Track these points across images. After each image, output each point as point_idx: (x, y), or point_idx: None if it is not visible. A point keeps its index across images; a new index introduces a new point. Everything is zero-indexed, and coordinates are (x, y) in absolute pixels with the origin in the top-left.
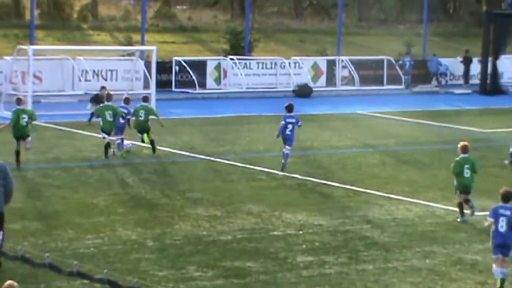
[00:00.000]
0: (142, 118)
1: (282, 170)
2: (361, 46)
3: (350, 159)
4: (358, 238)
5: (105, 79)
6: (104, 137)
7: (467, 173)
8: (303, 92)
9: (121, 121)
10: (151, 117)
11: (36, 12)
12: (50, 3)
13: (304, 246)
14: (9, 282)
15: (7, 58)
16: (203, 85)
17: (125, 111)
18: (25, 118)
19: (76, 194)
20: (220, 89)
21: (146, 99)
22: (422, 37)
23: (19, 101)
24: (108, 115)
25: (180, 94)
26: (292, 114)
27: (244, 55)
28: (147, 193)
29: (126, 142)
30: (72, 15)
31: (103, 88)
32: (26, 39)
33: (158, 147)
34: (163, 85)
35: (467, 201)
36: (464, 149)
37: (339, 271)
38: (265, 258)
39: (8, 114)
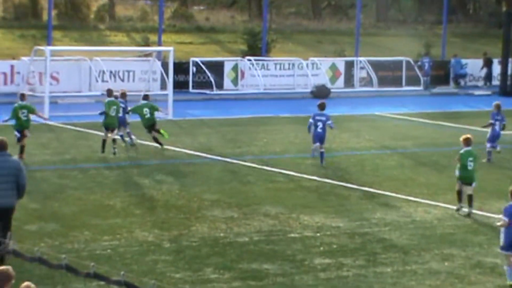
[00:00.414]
0: (148, 116)
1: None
2: (379, 47)
3: (368, 160)
4: (376, 240)
5: (122, 80)
6: (105, 130)
7: (470, 165)
8: (321, 93)
9: (121, 115)
10: (156, 113)
11: (54, 13)
12: (68, 3)
13: (321, 248)
14: (26, 283)
15: (25, 58)
16: (220, 86)
17: (122, 105)
18: (24, 113)
19: (92, 195)
20: (237, 90)
21: (146, 97)
22: (441, 38)
23: (22, 96)
24: (112, 111)
25: (197, 95)
26: (323, 112)
27: (261, 56)
28: (164, 194)
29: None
30: (89, 16)
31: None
32: (43, 40)
33: (175, 148)
34: (180, 86)
35: (470, 198)
36: (467, 142)
37: (357, 274)
38: (282, 260)
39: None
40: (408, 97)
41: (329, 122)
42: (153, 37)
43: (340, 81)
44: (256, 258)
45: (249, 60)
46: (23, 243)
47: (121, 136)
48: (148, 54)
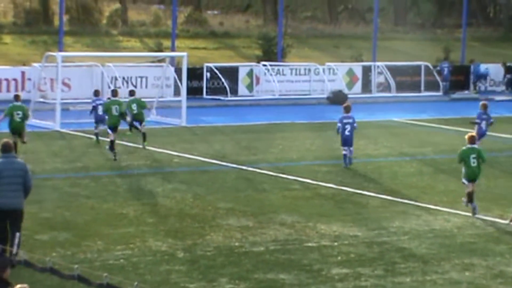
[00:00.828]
0: (136, 112)
1: (347, 166)
2: (397, 51)
3: (386, 168)
4: (394, 249)
5: (135, 86)
6: (109, 133)
7: (473, 162)
8: (337, 99)
9: (100, 112)
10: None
11: (65, 18)
12: (79, 8)
13: (339, 257)
14: (19, 286)
15: (36, 65)
16: (234, 92)
17: (101, 102)
18: (19, 114)
19: (105, 204)
20: (252, 96)
21: (133, 92)
22: (461, 42)
23: (16, 97)
24: (115, 110)
25: (211, 101)
26: (349, 114)
27: (277, 61)
28: (178, 203)
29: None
30: (101, 21)
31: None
32: (54, 46)
33: (189, 156)
34: (194, 92)
35: (469, 194)
36: (471, 140)
37: (375, 284)
38: (298, 270)
39: (37, 122)
40: (427, 103)
41: (355, 125)
42: (167, 43)
43: (357, 86)
44: (272, 268)
45: (264, 65)
46: (34, 253)
47: (96, 134)
48: (161, 60)
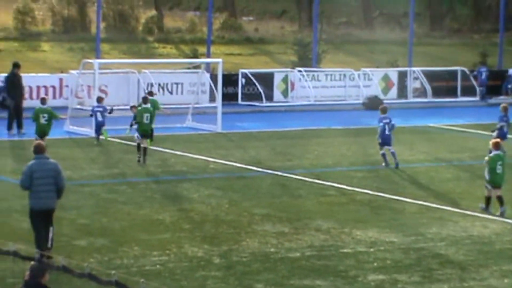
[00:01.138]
0: (147, 122)
1: (387, 166)
2: (433, 56)
3: (422, 173)
4: (432, 256)
5: (171, 92)
6: (137, 137)
7: (499, 169)
8: (373, 104)
9: (99, 118)
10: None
11: (102, 25)
12: (116, 16)
13: (375, 264)
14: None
15: (73, 72)
16: (270, 97)
17: (100, 109)
18: (45, 117)
19: (141, 210)
20: (287, 101)
21: (146, 100)
22: (498, 47)
23: (42, 100)
24: (146, 118)
25: (246, 107)
26: (386, 115)
27: (312, 66)
28: (213, 209)
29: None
30: (138, 28)
31: (150, 92)
32: (91, 53)
33: (224, 162)
34: (229, 98)
35: (500, 198)
36: (497, 146)
37: None
38: (334, 276)
39: (74, 128)
40: (463, 108)
41: (393, 123)
42: (202, 49)
43: (393, 92)
44: (308, 274)
45: (299, 71)
46: (72, 259)
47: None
48: (196, 66)
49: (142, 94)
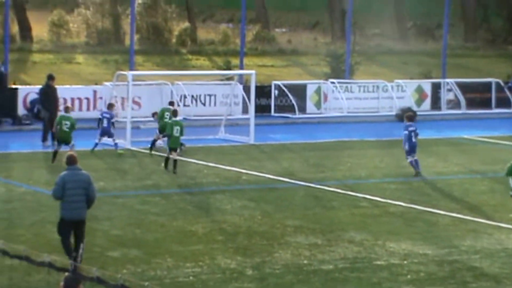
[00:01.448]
0: (177, 135)
1: (418, 175)
2: (467, 68)
3: (456, 185)
4: (466, 268)
5: (204, 104)
6: (168, 151)
7: None
8: None
9: (105, 124)
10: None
11: (136, 37)
12: (150, 28)
13: (408, 276)
14: None
15: (107, 84)
16: (302, 109)
17: (108, 115)
18: (67, 125)
19: (174, 221)
20: (320, 113)
21: (175, 113)
22: None
23: (66, 109)
24: (176, 131)
25: (279, 119)
26: (412, 123)
27: (345, 78)
28: (246, 220)
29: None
30: (171, 40)
31: (171, 103)
32: (125, 65)
33: (257, 173)
34: (262, 109)
35: None
36: None
37: None
38: None
39: (108, 140)
40: (498, 120)
41: (417, 131)
42: (235, 61)
43: (426, 103)
44: (341, 286)
45: (332, 82)
46: (106, 270)
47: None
48: (229, 78)
49: (175, 106)
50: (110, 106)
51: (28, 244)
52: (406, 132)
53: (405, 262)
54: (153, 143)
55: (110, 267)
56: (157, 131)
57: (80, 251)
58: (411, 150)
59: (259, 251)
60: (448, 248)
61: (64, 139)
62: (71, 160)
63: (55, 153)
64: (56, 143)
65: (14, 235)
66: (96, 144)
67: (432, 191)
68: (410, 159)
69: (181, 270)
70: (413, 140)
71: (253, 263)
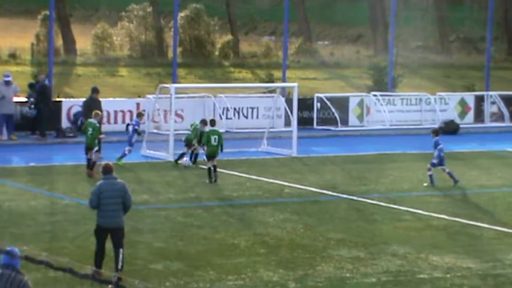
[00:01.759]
0: (215, 144)
1: (456, 183)
2: (511, 81)
3: (500, 199)
4: (510, 282)
5: (246, 117)
6: (206, 160)
7: None
8: (449, 129)
9: (130, 132)
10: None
11: (178, 50)
12: (192, 41)
13: None
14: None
15: (150, 96)
16: (345, 122)
17: (133, 123)
18: (90, 131)
19: (217, 234)
20: (363, 126)
21: (213, 122)
22: None
23: (96, 114)
24: (213, 140)
25: (321, 131)
26: (438, 137)
27: (387, 91)
28: (289, 233)
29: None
30: (214, 53)
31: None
32: (168, 77)
33: (300, 186)
34: (304, 122)
35: None
36: None
37: None
38: None
39: (151, 153)
40: None
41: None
42: (277, 73)
43: (470, 116)
44: None
45: (375, 95)
46: (149, 282)
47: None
48: (272, 91)
49: (218, 118)
50: (140, 115)
51: (72, 256)
52: (440, 146)
53: (448, 275)
54: (181, 156)
55: (153, 280)
56: (185, 143)
57: (120, 256)
58: (440, 164)
59: (302, 264)
60: (492, 262)
61: (88, 144)
62: (107, 169)
63: (88, 161)
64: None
65: (58, 248)
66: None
67: (476, 204)
68: (432, 172)
69: (224, 283)
70: (442, 154)
71: (295, 276)
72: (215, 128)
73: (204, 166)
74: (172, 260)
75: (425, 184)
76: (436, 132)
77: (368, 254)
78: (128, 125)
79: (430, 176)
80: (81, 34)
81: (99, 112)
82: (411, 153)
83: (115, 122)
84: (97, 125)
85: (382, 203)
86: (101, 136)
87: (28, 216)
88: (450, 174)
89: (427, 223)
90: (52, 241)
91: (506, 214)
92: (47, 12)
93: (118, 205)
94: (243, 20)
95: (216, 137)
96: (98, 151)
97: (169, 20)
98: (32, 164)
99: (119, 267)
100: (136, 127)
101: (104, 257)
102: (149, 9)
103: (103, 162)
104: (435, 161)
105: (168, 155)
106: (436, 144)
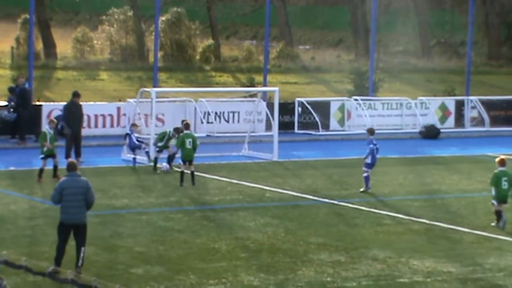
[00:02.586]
0: (189, 147)
1: (365, 190)
2: (491, 85)
3: (480, 203)
4: (490, 286)
5: (227, 121)
6: (180, 164)
7: (504, 185)
8: (430, 133)
9: (134, 140)
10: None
11: (159, 54)
12: (173, 45)
13: None
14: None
15: (131, 100)
16: (326, 126)
17: (131, 132)
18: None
19: (198, 238)
20: (343, 130)
21: (187, 126)
22: None
23: (50, 122)
24: (188, 143)
25: (302, 135)
26: (374, 137)
27: (368, 95)
28: (270, 237)
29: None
30: (195, 57)
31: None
32: (149, 82)
33: (281, 190)
34: (285, 126)
35: (499, 212)
36: (502, 163)
37: None
38: None
39: (131, 156)
40: None
41: (378, 146)
42: (258, 77)
43: (450, 121)
44: None
45: (356, 100)
46: (130, 287)
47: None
48: (253, 95)
49: (199, 123)
50: (134, 126)
51: (51, 260)
52: (372, 146)
53: (429, 280)
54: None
55: (134, 284)
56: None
57: (81, 254)
58: (373, 165)
59: (283, 268)
60: (472, 266)
61: (48, 154)
62: (71, 167)
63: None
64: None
65: (38, 252)
66: (135, 159)
67: (456, 208)
68: (367, 174)
69: (204, 287)
70: (376, 155)
71: (276, 281)
72: (189, 131)
73: (186, 171)
74: (153, 264)
75: (361, 190)
76: (370, 131)
77: (349, 258)
78: (127, 134)
79: (366, 177)
80: (61, 38)
81: (54, 120)
82: (391, 158)
83: (96, 126)
84: (51, 132)
85: (363, 208)
86: (50, 145)
87: (7, 220)
88: (366, 178)
89: (408, 227)
90: (31, 245)
91: (486, 218)
92: (27, 16)
93: (81, 201)
94: (224, 24)
95: (191, 140)
96: (44, 158)
97: (150, 24)
98: (12, 168)
99: (79, 264)
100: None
101: (64, 255)
102: (130, 13)
103: (69, 160)
104: (368, 161)
105: (148, 159)
106: (368, 143)
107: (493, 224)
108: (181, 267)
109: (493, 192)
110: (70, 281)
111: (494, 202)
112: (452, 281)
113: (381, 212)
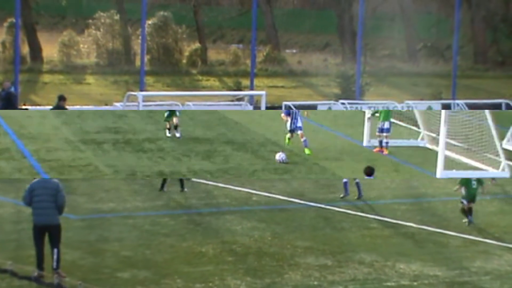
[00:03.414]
0: None
1: (344, 196)
2: (477, 89)
3: None
4: None
5: None
6: None
7: (474, 184)
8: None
9: None
10: None
11: (146, 58)
12: (160, 49)
13: None
14: None
15: (117, 104)
16: None
17: None
18: None
19: (184, 242)
20: None
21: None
22: None
23: None
24: None
25: None
26: None
27: (355, 99)
28: (256, 241)
29: None
30: (182, 61)
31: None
32: (136, 85)
33: (268, 194)
34: None
35: (470, 210)
36: None
37: None
38: None
39: None
40: None
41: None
42: (245, 81)
43: None
44: None
45: (343, 103)
46: None
47: None
48: (240, 98)
49: None
50: None
51: None
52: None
53: (415, 283)
54: None
55: None
56: None
57: (55, 256)
58: None
59: (269, 272)
60: (458, 269)
61: None
62: None
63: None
64: None
65: (24, 256)
66: None
67: (443, 212)
68: (347, 179)
69: None
70: None
71: (263, 284)
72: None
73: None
74: (139, 268)
75: (341, 196)
76: None
77: (336, 262)
78: None
79: (345, 183)
80: (47, 42)
81: None
82: None
83: None
84: None
85: (349, 211)
86: None
87: None
88: (345, 184)
89: (395, 231)
90: (17, 249)
91: (472, 222)
92: (13, 20)
93: (51, 203)
94: (211, 28)
95: None
96: None
97: (137, 27)
98: None
99: (55, 266)
100: None
101: (44, 257)
102: (116, 17)
103: None
104: None
105: None
106: None
107: (465, 220)
108: (167, 271)
109: (463, 192)
110: (56, 285)
111: (464, 201)
112: (439, 284)
113: (367, 215)
